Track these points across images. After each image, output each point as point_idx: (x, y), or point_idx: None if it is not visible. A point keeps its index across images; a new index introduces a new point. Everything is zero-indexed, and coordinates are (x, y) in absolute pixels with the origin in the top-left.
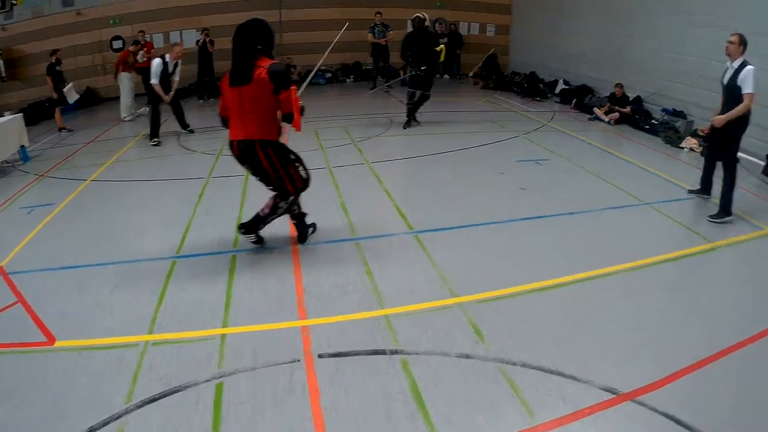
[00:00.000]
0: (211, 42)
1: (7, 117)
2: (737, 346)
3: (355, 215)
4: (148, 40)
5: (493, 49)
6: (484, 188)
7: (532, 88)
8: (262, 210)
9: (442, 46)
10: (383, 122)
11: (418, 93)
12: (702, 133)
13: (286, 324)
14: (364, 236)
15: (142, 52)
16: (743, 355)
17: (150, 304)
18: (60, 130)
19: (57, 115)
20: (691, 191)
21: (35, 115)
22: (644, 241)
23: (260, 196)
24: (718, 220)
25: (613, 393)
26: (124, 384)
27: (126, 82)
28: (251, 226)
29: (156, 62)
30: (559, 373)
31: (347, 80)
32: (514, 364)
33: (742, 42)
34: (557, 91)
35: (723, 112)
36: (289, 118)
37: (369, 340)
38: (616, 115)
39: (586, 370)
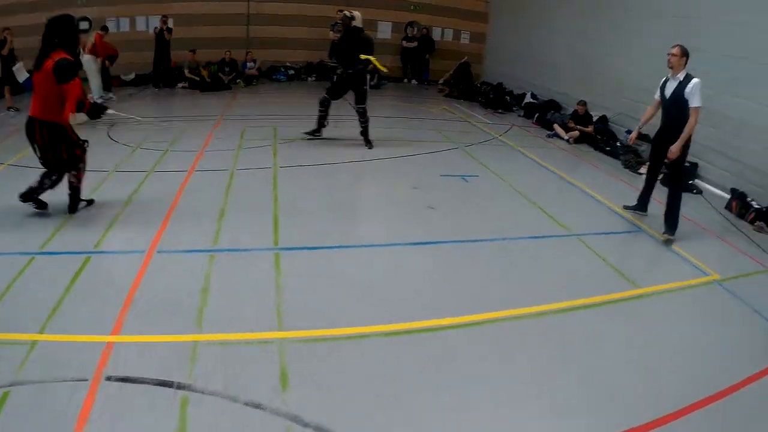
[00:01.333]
0: (168, 30)
1: None
2: None
3: (227, 224)
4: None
5: (465, 57)
6: (387, 204)
7: (498, 99)
8: (31, 185)
9: (372, 57)
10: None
11: (324, 97)
12: (630, 143)
13: (93, 338)
14: (223, 248)
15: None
16: None
17: None
18: (8, 108)
19: (6, 92)
20: (626, 207)
21: None
22: (551, 282)
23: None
24: (672, 236)
25: None
26: None
27: (91, 64)
28: (27, 196)
29: None
30: None
31: (308, 79)
32: (306, 425)
33: (685, 53)
34: (524, 104)
35: (664, 124)
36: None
37: (164, 368)
38: (576, 133)
39: None
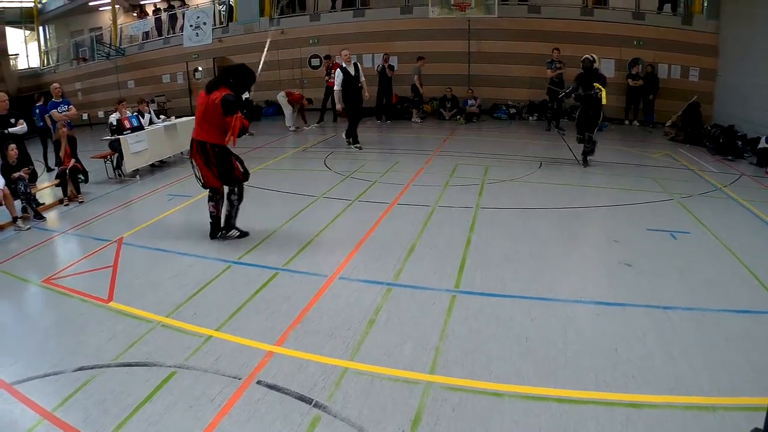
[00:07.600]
0: (390, 67)
1: (185, 119)
2: None
3: (413, 260)
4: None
5: (695, 97)
6: (580, 256)
7: (727, 144)
8: (226, 212)
9: (600, 87)
10: (533, 165)
11: (579, 137)
12: None
13: (258, 344)
14: (402, 283)
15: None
16: None
17: (185, 294)
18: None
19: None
20: None
21: None
22: (742, 367)
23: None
24: None
25: None
26: (121, 347)
27: (283, 98)
28: (228, 227)
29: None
30: None
31: (530, 118)
32: None
33: None
34: (757, 150)
35: None
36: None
37: (310, 385)
38: None
39: None
